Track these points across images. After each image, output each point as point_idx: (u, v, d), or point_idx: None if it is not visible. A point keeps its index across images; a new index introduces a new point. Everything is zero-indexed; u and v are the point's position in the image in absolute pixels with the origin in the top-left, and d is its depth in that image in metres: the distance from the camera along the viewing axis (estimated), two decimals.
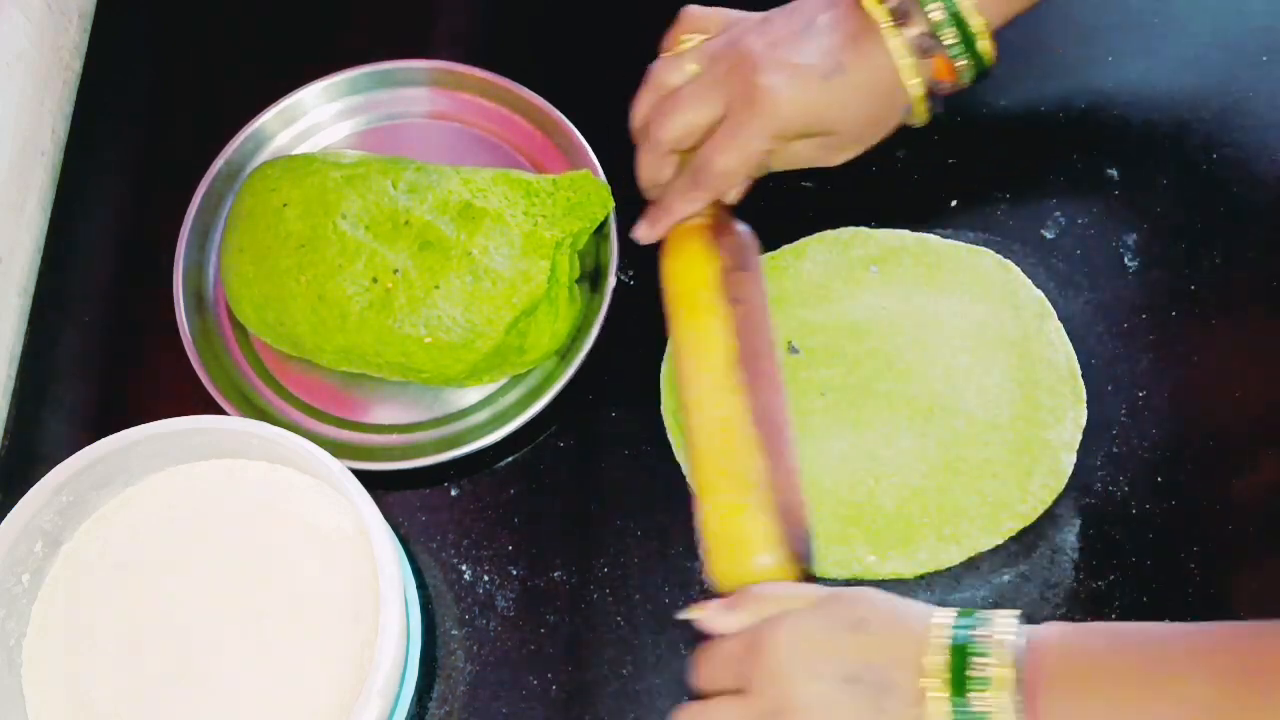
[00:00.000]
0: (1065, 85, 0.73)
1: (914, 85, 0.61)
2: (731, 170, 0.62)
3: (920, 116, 0.63)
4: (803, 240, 0.68)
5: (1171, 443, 0.65)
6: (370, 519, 0.56)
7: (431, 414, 0.68)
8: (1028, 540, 0.63)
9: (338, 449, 0.64)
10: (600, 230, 0.69)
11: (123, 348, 0.72)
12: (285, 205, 0.66)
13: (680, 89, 0.63)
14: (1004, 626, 0.50)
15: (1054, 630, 0.51)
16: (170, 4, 0.81)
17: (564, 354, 0.67)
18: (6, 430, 0.70)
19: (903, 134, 0.73)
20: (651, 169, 0.65)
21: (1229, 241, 0.68)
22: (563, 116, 0.71)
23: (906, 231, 0.68)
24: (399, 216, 0.65)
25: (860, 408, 0.64)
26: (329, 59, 0.75)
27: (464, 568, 0.65)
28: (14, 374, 0.72)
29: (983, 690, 0.48)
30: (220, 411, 0.66)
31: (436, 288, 0.63)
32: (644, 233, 0.65)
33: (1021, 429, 0.63)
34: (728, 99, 0.61)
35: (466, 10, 0.80)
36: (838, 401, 0.64)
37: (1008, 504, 0.62)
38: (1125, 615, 0.61)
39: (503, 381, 0.68)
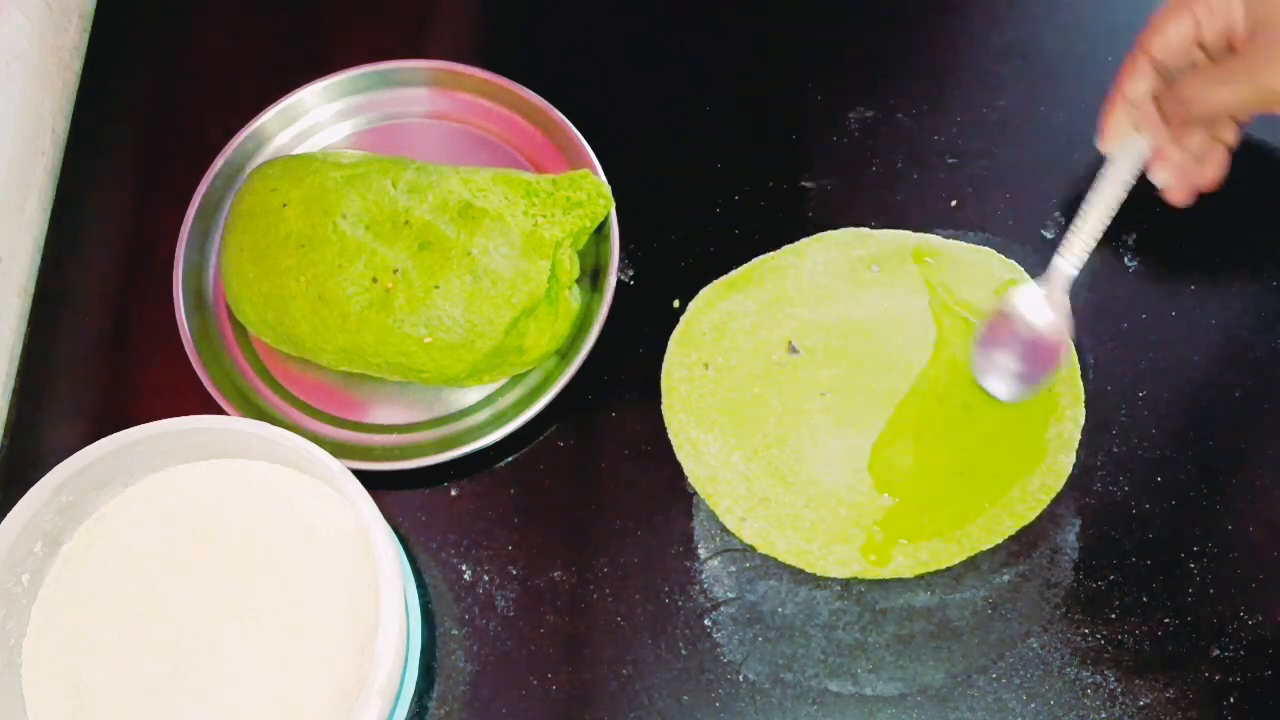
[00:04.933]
0: (1066, 85, 0.73)
1: None
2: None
3: None
4: (803, 240, 0.68)
5: (1171, 443, 0.65)
6: (370, 519, 0.56)
7: (431, 414, 0.68)
8: (1028, 540, 0.63)
9: (338, 449, 0.64)
10: (600, 230, 0.69)
11: (123, 348, 0.72)
12: (285, 205, 0.66)
13: None
14: None
15: None
16: (170, 4, 0.81)
17: (564, 354, 0.67)
18: (6, 430, 0.70)
19: (903, 134, 0.73)
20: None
21: (1229, 241, 0.69)
22: (563, 116, 0.71)
23: (906, 231, 0.68)
24: (399, 216, 0.65)
25: (860, 408, 0.64)
26: (329, 59, 0.75)
27: (464, 568, 0.65)
28: (14, 374, 0.72)
29: None
30: (220, 411, 0.66)
31: (436, 288, 0.63)
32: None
33: (1021, 429, 0.63)
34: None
35: (466, 10, 0.80)
36: (838, 401, 0.64)
37: (1008, 504, 0.62)
38: (1125, 615, 0.62)
39: (503, 381, 0.68)
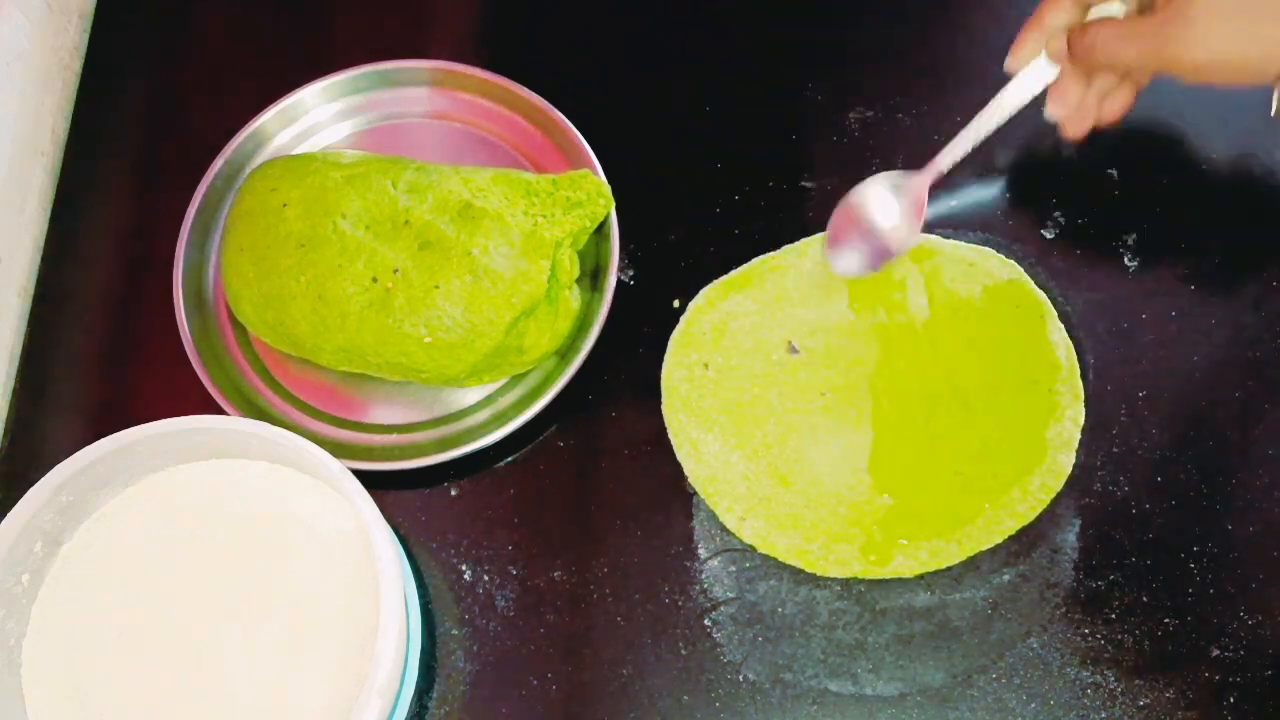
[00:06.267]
0: None
1: None
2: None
3: None
4: (803, 240, 0.68)
5: (1171, 443, 0.65)
6: (370, 519, 0.56)
7: (431, 414, 0.68)
8: (1028, 540, 0.63)
9: (338, 449, 0.64)
10: (600, 230, 0.69)
11: (123, 348, 0.72)
12: (285, 205, 0.66)
13: None
14: None
15: None
16: (170, 4, 0.81)
17: (564, 354, 0.67)
18: (6, 430, 0.70)
19: (903, 134, 0.73)
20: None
21: (1229, 241, 0.69)
22: (563, 116, 0.71)
23: None
24: (399, 216, 0.65)
25: (860, 408, 0.64)
26: (329, 59, 0.75)
27: (464, 568, 0.65)
28: (14, 374, 0.72)
29: None
30: (220, 411, 0.66)
31: (436, 288, 0.63)
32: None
33: (1021, 429, 0.63)
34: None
35: (466, 10, 0.80)
36: (838, 401, 0.64)
37: (1008, 504, 0.62)
38: (1125, 615, 0.62)
39: (503, 381, 0.68)
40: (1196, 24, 0.57)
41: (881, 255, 0.66)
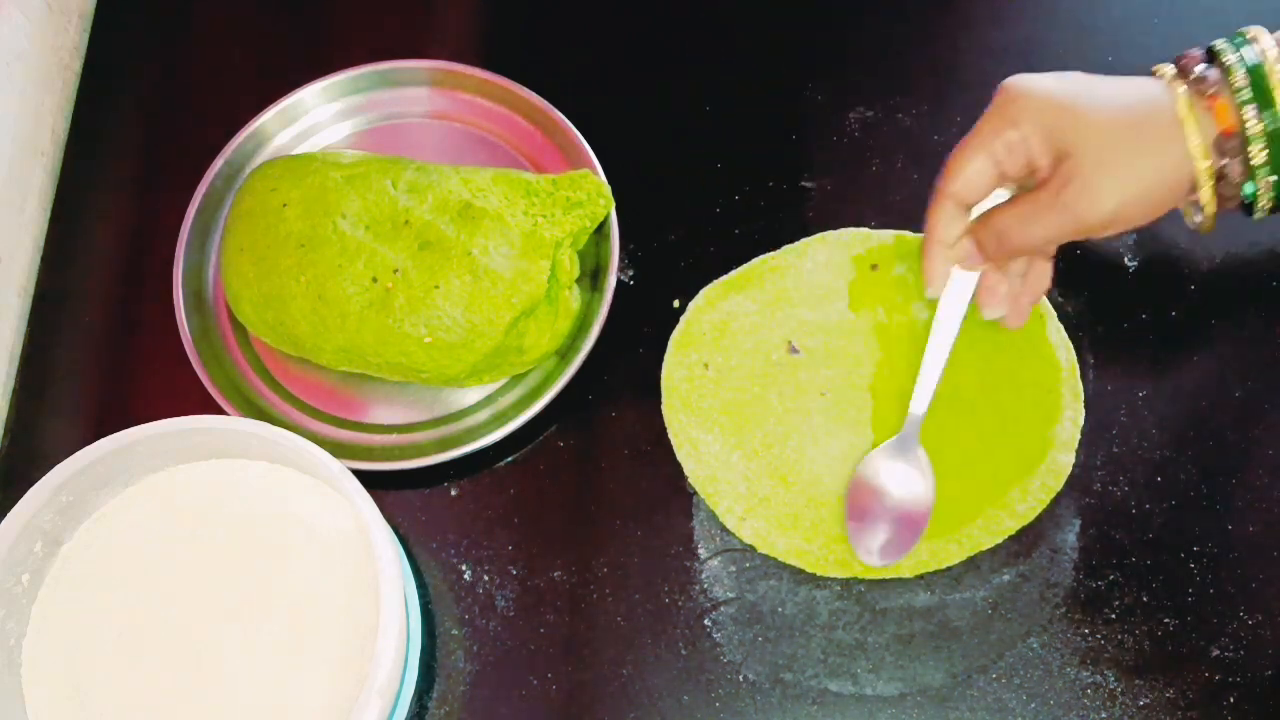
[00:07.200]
0: None
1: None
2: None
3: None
4: (803, 240, 0.68)
5: (1171, 443, 0.65)
6: (370, 519, 0.56)
7: (431, 414, 0.68)
8: (1028, 540, 0.63)
9: (338, 449, 0.64)
10: (600, 230, 0.69)
11: (123, 348, 0.72)
12: (285, 205, 0.66)
13: None
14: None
15: None
16: (170, 4, 0.81)
17: (564, 354, 0.67)
18: (6, 430, 0.70)
19: (903, 134, 0.73)
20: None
21: (1229, 241, 0.68)
22: (563, 116, 0.71)
23: (907, 232, 0.68)
24: (399, 216, 0.65)
25: (860, 408, 0.64)
26: (329, 59, 0.75)
27: (464, 568, 0.65)
28: (14, 374, 0.72)
29: None
30: (220, 411, 0.66)
31: (436, 288, 0.63)
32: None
33: (1021, 429, 0.63)
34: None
35: (466, 10, 0.80)
36: (838, 401, 0.64)
37: (1008, 504, 0.62)
38: (1125, 615, 0.62)
39: (503, 381, 0.68)
40: (1091, 181, 0.55)
41: (911, 527, 0.62)
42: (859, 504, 0.62)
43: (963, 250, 0.61)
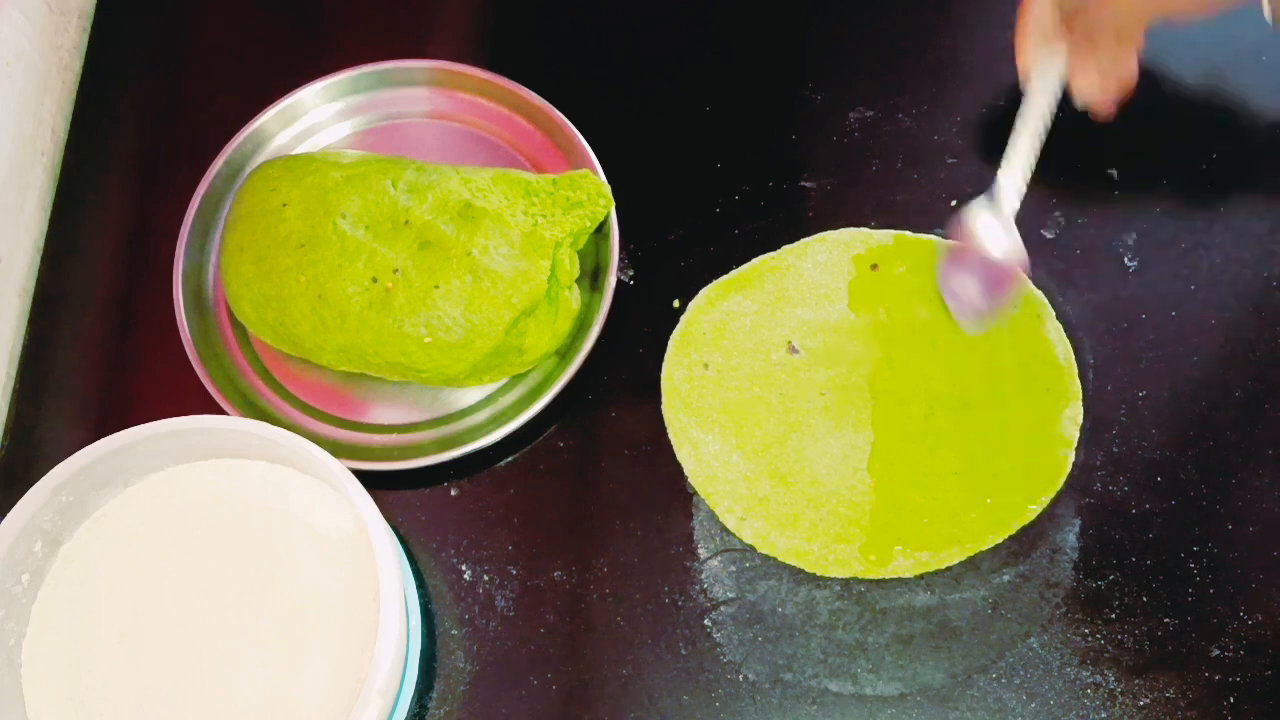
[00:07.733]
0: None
1: None
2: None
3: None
4: (803, 240, 0.68)
5: (1171, 443, 0.65)
6: (370, 519, 0.56)
7: (431, 414, 0.68)
8: (1028, 540, 0.63)
9: (338, 449, 0.64)
10: (600, 230, 0.69)
11: (123, 348, 0.72)
12: (285, 205, 0.66)
13: None
14: None
15: None
16: (170, 4, 0.82)
17: (564, 354, 0.67)
18: (6, 430, 0.70)
19: (903, 134, 0.73)
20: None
21: (1229, 241, 0.69)
22: (563, 116, 0.71)
23: (907, 232, 0.68)
24: (399, 216, 0.65)
25: (860, 408, 0.64)
26: (329, 59, 0.75)
27: (464, 568, 0.65)
28: (14, 374, 0.72)
29: None
30: (220, 411, 0.66)
31: (436, 288, 0.63)
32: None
33: (1021, 428, 0.63)
34: None
35: (466, 10, 0.80)
36: (838, 401, 0.64)
37: (1008, 503, 0.62)
38: (1125, 615, 0.62)
39: (503, 381, 0.68)
40: None
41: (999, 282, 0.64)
42: (957, 251, 0.64)
43: (1053, 26, 0.63)
